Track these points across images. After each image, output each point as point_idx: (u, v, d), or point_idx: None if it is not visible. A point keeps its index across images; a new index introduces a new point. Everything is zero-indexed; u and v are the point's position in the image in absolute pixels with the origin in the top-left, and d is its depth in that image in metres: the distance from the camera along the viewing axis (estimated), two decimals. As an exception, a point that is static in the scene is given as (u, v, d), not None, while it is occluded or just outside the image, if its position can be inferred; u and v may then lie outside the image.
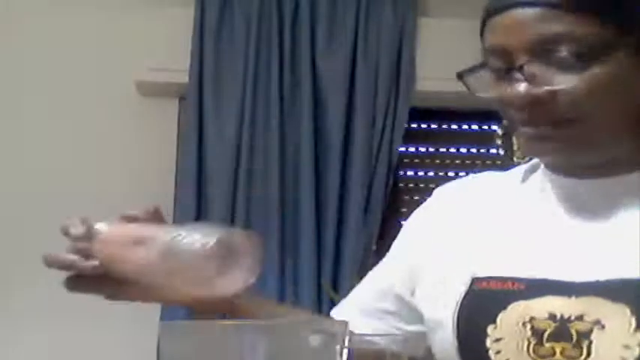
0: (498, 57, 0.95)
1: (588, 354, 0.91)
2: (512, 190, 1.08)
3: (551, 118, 0.93)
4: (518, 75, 0.92)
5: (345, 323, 0.70)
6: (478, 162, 2.97)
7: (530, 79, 0.92)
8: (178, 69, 2.70)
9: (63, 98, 2.75)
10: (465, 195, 1.13)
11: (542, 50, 0.91)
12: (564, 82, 0.91)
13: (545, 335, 0.93)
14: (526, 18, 0.92)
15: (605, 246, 0.95)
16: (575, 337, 0.92)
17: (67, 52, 2.77)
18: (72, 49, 2.77)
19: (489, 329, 0.96)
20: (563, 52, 0.90)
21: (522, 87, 0.92)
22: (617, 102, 0.93)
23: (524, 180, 1.08)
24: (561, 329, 0.93)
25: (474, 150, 3.02)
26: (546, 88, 0.91)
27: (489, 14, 0.96)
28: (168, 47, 2.74)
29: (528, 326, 0.94)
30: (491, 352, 0.96)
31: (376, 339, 0.80)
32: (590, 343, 0.91)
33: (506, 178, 1.10)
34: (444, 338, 1.01)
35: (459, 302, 1.00)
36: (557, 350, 0.92)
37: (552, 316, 0.93)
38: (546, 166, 1.05)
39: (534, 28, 0.91)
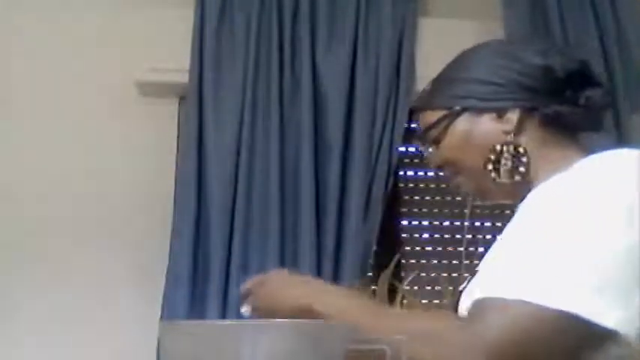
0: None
1: None
2: None
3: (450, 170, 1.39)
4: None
5: (344, 324, 0.70)
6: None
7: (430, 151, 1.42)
8: (178, 69, 2.70)
9: (63, 98, 2.76)
10: None
11: (426, 132, 1.39)
12: (440, 148, 1.38)
13: None
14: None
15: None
16: None
17: (67, 52, 2.78)
18: (72, 49, 2.78)
19: None
20: (432, 131, 1.37)
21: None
22: (474, 150, 1.32)
23: None
24: None
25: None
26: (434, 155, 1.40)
27: None
28: (168, 47, 2.74)
29: None
30: None
31: (376, 339, 0.80)
32: None
33: None
34: None
35: None
36: None
37: None
38: None
39: (421, 121, 1.41)
